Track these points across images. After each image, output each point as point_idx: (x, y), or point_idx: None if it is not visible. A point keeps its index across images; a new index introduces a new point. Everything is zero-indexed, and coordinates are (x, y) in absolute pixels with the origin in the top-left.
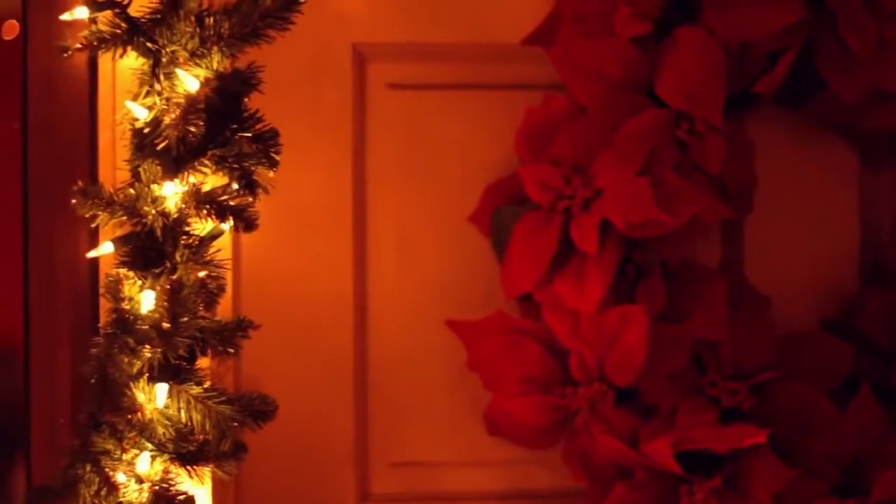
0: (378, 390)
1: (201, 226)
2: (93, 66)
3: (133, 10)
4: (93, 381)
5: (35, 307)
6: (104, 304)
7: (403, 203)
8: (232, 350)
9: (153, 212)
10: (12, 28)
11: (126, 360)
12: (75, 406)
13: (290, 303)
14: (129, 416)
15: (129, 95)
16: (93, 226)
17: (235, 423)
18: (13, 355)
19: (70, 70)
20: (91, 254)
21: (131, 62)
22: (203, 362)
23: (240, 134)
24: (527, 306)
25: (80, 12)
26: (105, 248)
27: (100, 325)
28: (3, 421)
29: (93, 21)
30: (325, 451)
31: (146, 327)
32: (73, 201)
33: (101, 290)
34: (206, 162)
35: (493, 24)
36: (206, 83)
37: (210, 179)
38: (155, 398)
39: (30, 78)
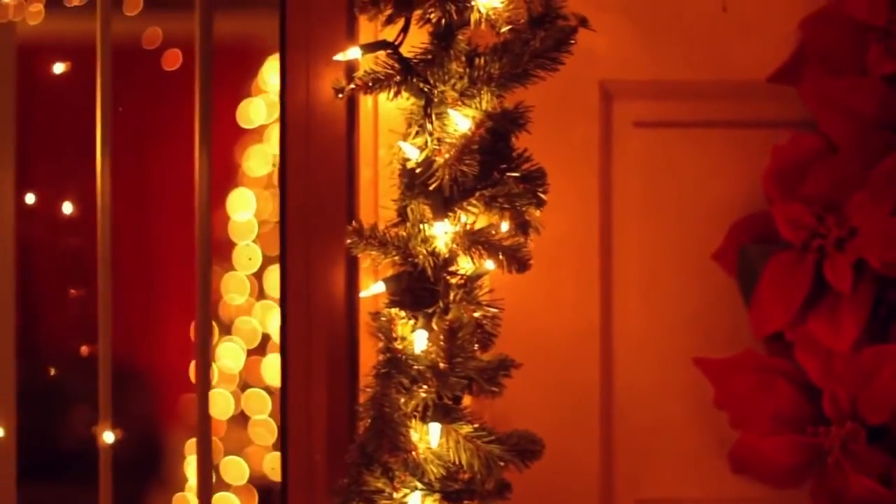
0: (623, 426)
1: (463, 265)
2: (351, 105)
3: (403, 51)
4: (369, 420)
5: (293, 346)
6: (363, 344)
7: (648, 240)
8: (496, 389)
9: (424, 251)
10: (174, 58)
11: (401, 399)
12: (331, 445)
13: (536, 339)
14: (404, 456)
15: (390, 134)
16: (364, 265)
17: (502, 463)
18: None
19: (327, 109)
20: (364, 293)
21: (399, 102)
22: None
23: (509, 174)
24: (774, 345)
25: (353, 53)
26: (376, 288)
27: (358, 364)
28: None
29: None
30: (570, 487)
31: (421, 367)
32: (348, 241)
33: (372, 330)
34: (475, 202)
35: (736, 61)
36: (479, 123)
37: (470, 219)
38: (427, 437)
39: (290, 118)
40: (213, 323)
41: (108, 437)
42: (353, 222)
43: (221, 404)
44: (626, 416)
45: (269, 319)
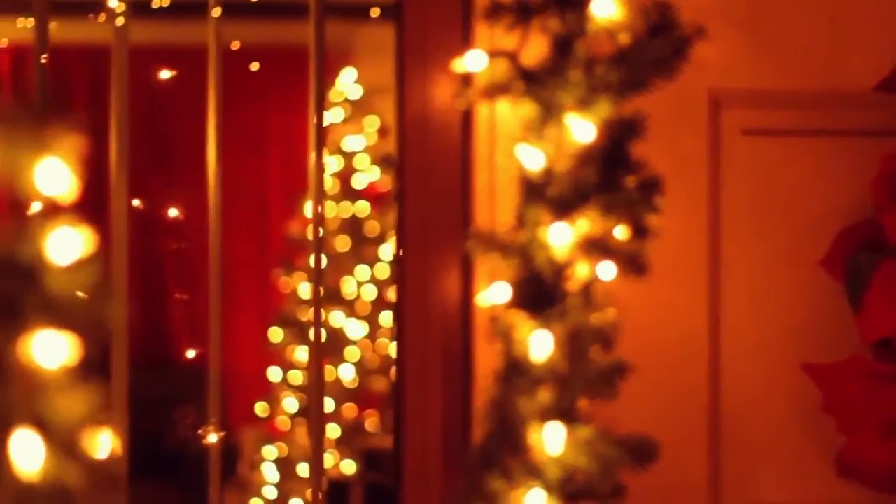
0: (731, 431)
1: (582, 270)
2: (467, 112)
3: (523, 59)
4: (490, 422)
5: (409, 350)
6: (477, 347)
7: (756, 247)
8: (611, 392)
9: (543, 256)
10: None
11: (523, 402)
12: (445, 447)
13: (644, 345)
14: (524, 457)
15: (507, 141)
16: (479, 269)
17: (620, 465)
18: None
19: (443, 116)
20: (482, 297)
21: (518, 109)
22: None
23: (627, 180)
24: (882, 350)
25: (472, 60)
26: (496, 291)
27: (472, 367)
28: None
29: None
30: (678, 490)
31: (541, 370)
32: (469, 245)
33: (492, 334)
34: (593, 208)
35: (844, 71)
36: (600, 131)
37: (589, 224)
38: (548, 440)
39: (407, 124)
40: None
41: (213, 438)
42: (474, 227)
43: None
44: (733, 420)
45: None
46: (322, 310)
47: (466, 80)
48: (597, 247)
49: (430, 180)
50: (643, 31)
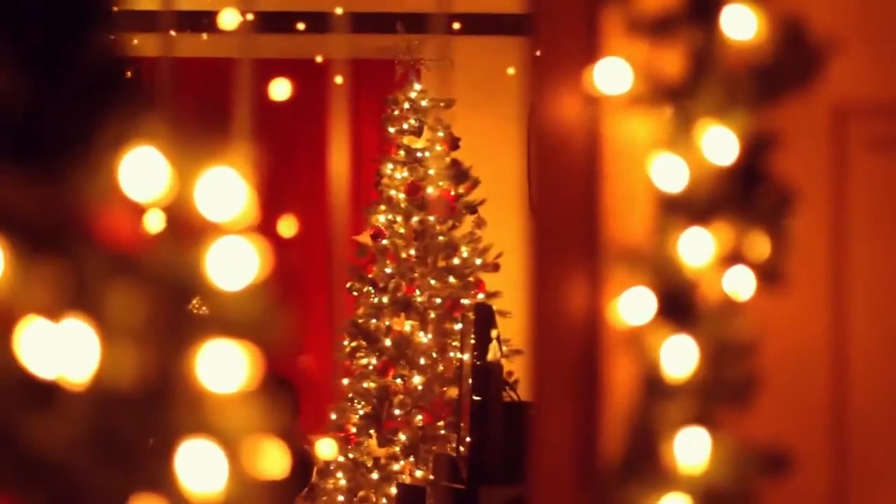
0: (856, 449)
1: (720, 282)
2: (597, 124)
3: (660, 71)
4: (629, 432)
5: (540, 363)
6: (609, 360)
7: (883, 260)
8: (747, 403)
9: (682, 267)
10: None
11: (661, 413)
12: (577, 460)
13: (765, 357)
14: (663, 468)
15: (640, 153)
16: (611, 281)
17: (756, 475)
18: None
19: (572, 128)
20: (618, 308)
21: (652, 121)
22: None
23: (762, 192)
24: None
25: (607, 74)
26: (633, 303)
27: (603, 380)
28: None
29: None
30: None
31: (681, 381)
32: (607, 258)
33: (629, 345)
34: (731, 219)
35: None
36: (737, 143)
37: (727, 236)
38: (688, 450)
39: (537, 137)
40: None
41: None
42: (611, 239)
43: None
44: (859, 439)
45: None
46: (392, 318)
47: (600, 92)
48: (735, 258)
49: (561, 193)
50: (778, 44)
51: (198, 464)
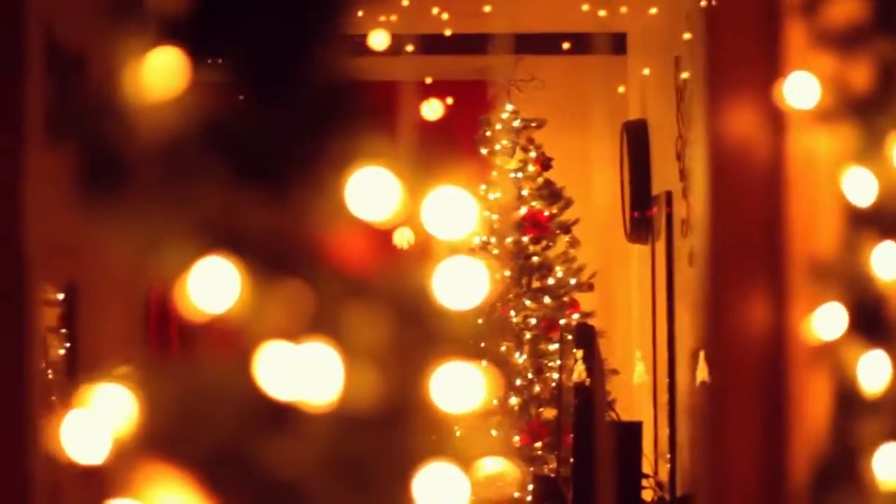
0: None
1: None
2: (777, 138)
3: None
4: (825, 452)
5: (722, 381)
6: (793, 375)
7: None
8: None
9: (872, 281)
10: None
11: (858, 430)
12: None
13: None
14: (861, 486)
15: (826, 168)
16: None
17: None
18: None
19: (753, 143)
20: (806, 324)
21: (838, 136)
22: None
23: None
24: None
25: (794, 88)
26: (827, 318)
27: (787, 398)
28: None
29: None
30: None
31: (878, 397)
32: (799, 274)
33: (818, 361)
34: None
35: None
36: None
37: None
38: (887, 467)
39: (716, 152)
40: None
41: None
42: (802, 254)
43: None
44: None
45: None
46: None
47: (787, 106)
48: None
49: (741, 208)
50: None
51: (438, 486)
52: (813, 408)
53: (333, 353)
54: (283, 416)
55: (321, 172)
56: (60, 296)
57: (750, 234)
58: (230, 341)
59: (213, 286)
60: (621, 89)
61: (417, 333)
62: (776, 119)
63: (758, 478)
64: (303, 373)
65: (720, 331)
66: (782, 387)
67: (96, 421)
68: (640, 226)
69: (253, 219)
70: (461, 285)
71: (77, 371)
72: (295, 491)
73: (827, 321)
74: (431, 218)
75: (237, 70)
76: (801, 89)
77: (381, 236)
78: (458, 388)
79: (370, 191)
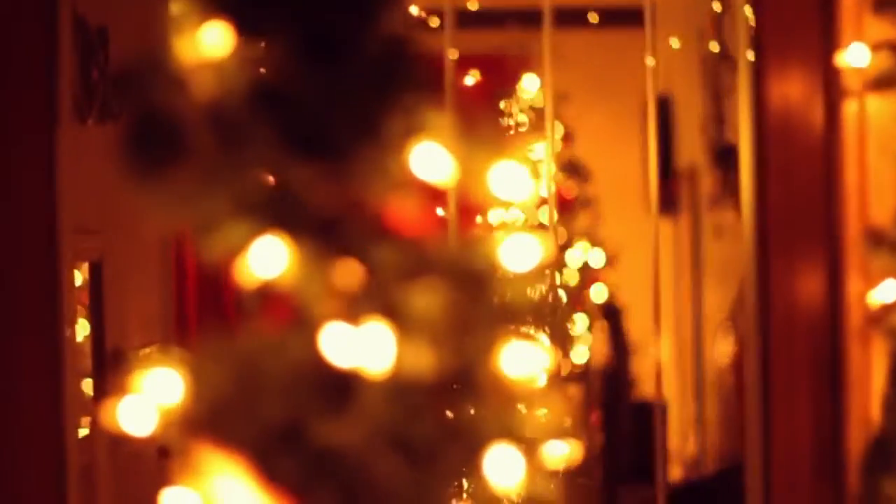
0: None
1: None
2: (831, 108)
3: None
4: (885, 423)
5: (776, 354)
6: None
7: None
8: None
9: None
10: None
11: None
12: (815, 454)
13: None
14: None
15: (881, 137)
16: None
17: None
18: None
19: (804, 113)
20: (875, 295)
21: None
22: None
23: None
24: None
25: (855, 56)
26: (885, 288)
27: (842, 368)
28: None
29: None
30: None
31: None
32: (864, 246)
33: (878, 332)
34: None
35: None
36: None
37: None
38: None
39: (767, 123)
40: None
41: None
42: (865, 226)
43: None
44: None
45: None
46: None
47: (841, 73)
48: None
49: (793, 179)
50: None
51: (498, 459)
52: (869, 381)
53: (386, 325)
54: (343, 390)
55: (377, 142)
56: (86, 274)
57: (805, 204)
58: (288, 313)
59: (270, 256)
60: (650, 61)
61: (480, 304)
62: (831, 87)
63: (811, 451)
64: (358, 345)
65: (772, 301)
66: (838, 359)
67: (146, 403)
68: (664, 200)
69: (308, 192)
70: (521, 256)
71: (103, 348)
72: (348, 465)
73: (883, 292)
74: (497, 185)
75: (294, 39)
76: (856, 56)
77: (435, 207)
78: (524, 361)
79: (428, 161)
